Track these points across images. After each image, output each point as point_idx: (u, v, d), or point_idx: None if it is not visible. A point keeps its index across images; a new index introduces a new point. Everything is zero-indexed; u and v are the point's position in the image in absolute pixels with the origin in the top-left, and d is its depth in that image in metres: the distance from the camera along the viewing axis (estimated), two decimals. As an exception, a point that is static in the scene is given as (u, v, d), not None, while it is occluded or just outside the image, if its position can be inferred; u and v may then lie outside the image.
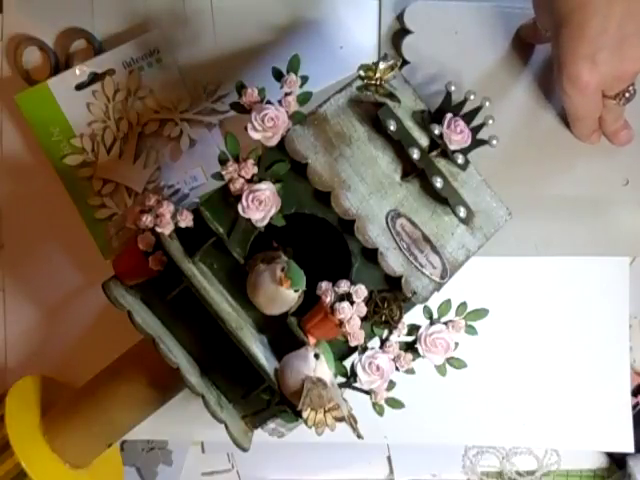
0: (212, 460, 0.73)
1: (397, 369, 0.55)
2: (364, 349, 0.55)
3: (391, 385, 0.56)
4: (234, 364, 0.55)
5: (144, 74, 0.68)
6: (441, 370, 0.56)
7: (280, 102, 0.53)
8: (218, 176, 0.53)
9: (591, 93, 0.59)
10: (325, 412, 0.51)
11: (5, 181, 0.69)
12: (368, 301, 0.52)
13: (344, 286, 0.52)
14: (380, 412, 0.56)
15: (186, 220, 0.53)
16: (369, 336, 0.54)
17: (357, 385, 0.55)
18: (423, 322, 0.56)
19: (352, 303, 0.52)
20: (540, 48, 0.66)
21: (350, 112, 0.55)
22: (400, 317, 0.53)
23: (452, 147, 0.56)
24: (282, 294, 0.52)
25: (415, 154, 0.55)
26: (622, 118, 0.63)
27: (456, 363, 0.56)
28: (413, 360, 0.55)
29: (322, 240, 0.56)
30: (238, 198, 0.52)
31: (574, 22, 0.55)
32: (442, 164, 0.56)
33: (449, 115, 0.56)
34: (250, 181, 0.53)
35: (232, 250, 0.54)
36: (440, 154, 0.56)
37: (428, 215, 0.56)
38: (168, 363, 0.53)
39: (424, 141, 0.57)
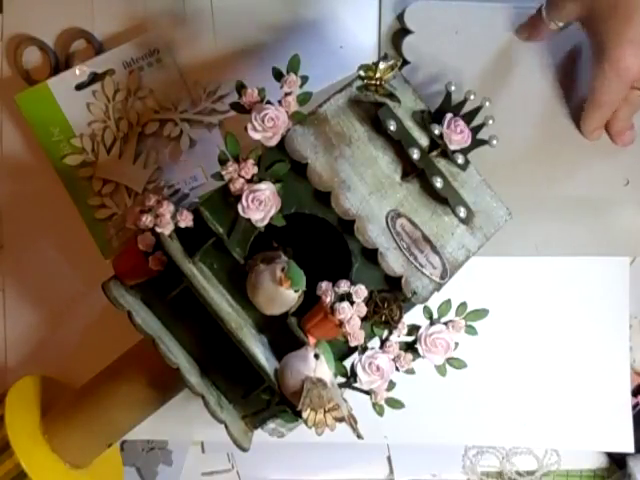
0: (212, 460, 0.73)
1: (397, 369, 0.55)
2: (364, 349, 0.55)
3: (391, 385, 0.56)
4: (234, 364, 0.55)
5: (144, 74, 0.68)
6: (441, 370, 0.56)
7: (280, 102, 0.53)
8: (218, 176, 0.53)
9: (629, 79, 0.58)
10: (325, 412, 0.51)
11: (5, 181, 0.69)
12: (368, 301, 0.52)
13: (344, 286, 0.52)
14: (380, 412, 0.56)
15: (186, 220, 0.53)
16: (369, 336, 0.54)
17: (357, 385, 0.55)
18: (423, 322, 0.56)
19: (352, 303, 0.52)
20: (541, 48, 0.66)
21: (350, 112, 0.55)
22: (400, 317, 0.53)
23: (452, 147, 0.56)
24: (282, 294, 0.52)
25: (415, 154, 0.55)
26: (632, 118, 0.63)
27: (456, 363, 0.56)
28: (413, 360, 0.55)
29: (322, 240, 0.56)
30: (238, 198, 0.52)
31: (622, 7, 0.56)
32: (442, 164, 0.56)
33: (449, 115, 0.56)
34: (250, 181, 0.53)
35: (232, 250, 0.54)
36: (440, 154, 0.56)
37: (428, 215, 0.56)
38: (168, 363, 0.53)
39: (424, 141, 0.57)
